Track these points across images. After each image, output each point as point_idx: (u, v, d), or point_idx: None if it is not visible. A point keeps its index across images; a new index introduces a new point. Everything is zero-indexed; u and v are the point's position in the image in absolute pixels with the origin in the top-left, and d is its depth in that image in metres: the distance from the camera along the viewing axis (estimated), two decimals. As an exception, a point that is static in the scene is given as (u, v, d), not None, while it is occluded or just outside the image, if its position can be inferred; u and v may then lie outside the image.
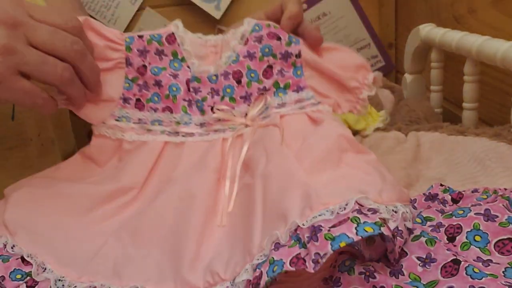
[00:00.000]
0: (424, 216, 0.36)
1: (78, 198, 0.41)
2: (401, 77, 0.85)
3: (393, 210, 0.33)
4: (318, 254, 0.28)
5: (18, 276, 0.34)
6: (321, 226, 0.30)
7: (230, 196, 0.40)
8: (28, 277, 0.34)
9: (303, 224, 0.31)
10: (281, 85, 0.45)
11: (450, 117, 0.71)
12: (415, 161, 0.54)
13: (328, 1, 1.02)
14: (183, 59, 0.46)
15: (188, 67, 0.46)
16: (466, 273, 0.29)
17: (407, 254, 0.32)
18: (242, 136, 0.44)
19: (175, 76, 0.46)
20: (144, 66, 0.46)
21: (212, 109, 0.45)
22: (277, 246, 0.31)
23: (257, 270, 0.30)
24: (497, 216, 0.33)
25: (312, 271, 0.28)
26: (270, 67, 0.45)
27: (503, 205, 0.34)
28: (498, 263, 0.31)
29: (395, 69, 1.08)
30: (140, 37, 0.46)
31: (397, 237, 0.31)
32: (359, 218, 0.29)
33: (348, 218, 0.30)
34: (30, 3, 0.38)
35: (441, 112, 0.74)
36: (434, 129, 0.62)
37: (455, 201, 0.38)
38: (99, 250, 0.37)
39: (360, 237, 0.28)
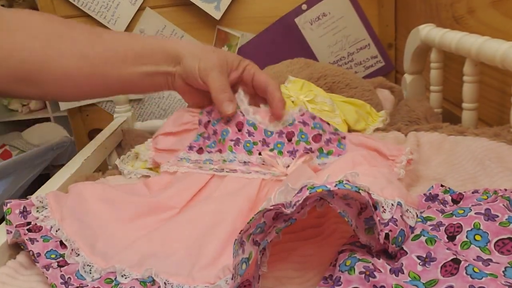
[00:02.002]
0: (425, 216, 0.36)
1: (126, 207, 0.45)
2: (400, 77, 0.85)
3: (391, 204, 0.33)
4: (298, 201, 0.30)
5: (53, 256, 0.39)
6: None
7: None
8: (61, 258, 0.39)
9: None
10: (325, 151, 0.51)
11: (449, 117, 0.71)
12: (415, 161, 0.55)
13: (328, 2, 1.02)
14: (238, 107, 0.54)
15: (241, 112, 0.53)
16: (466, 273, 0.29)
17: (407, 253, 0.32)
18: (281, 182, 0.47)
19: (227, 122, 0.53)
20: (209, 121, 0.55)
21: (260, 153, 0.51)
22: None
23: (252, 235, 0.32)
24: (497, 216, 0.33)
25: (288, 211, 0.30)
26: (319, 135, 0.52)
27: (503, 205, 0.34)
28: (498, 263, 0.31)
29: (395, 70, 1.08)
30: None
31: (390, 223, 0.32)
32: (342, 181, 0.31)
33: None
34: None
35: (440, 112, 0.75)
36: (433, 129, 0.62)
37: (455, 201, 0.38)
38: (129, 245, 0.40)
39: (337, 188, 0.30)
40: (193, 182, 0.49)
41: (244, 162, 0.50)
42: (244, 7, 1.05)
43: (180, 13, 1.06)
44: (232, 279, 0.31)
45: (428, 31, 0.70)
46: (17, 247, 0.43)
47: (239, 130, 0.52)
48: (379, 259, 0.32)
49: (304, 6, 1.03)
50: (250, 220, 0.31)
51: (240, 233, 0.31)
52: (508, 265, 0.30)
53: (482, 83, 0.64)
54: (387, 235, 0.32)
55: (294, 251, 0.39)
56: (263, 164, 0.50)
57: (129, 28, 1.06)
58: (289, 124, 0.52)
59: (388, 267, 0.31)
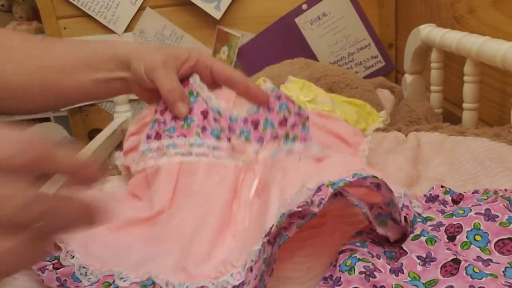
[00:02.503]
0: (425, 216, 0.36)
1: (119, 216, 0.45)
2: (401, 78, 0.85)
3: (398, 195, 0.36)
4: (322, 198, 0.32)
5: (47, 258, 0.39)
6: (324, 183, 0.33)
7: (243, 218, 0.43)
8: (56, 260, 0.39)
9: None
10: (291, 136, 0.50)
11: (450, 118, 0.71)
12: (415, 161, 0.55)
13: (329, 2, 1.02)
14: (198, 94, 0.52)
15: (204, 100, 0.52)
16: (466, 273, 0.29)
17: (406, 252, 0.32)
18: (253, 169, 0.48)
19: (190, 110, 0.51)
20: (166, 108, 0.52)
21: (229, 140, 0.50)
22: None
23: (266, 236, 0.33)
24: (497, 216, 0.33)
25: (317, 210, 0.32)
26: (285, 119, 0.51)
27: (503, 205, 0.34)
28: (498, 263, 0.31)
29: (395, 70, 1.08)
30: None
31: (404, 209, 0.34)
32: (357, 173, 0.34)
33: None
34: None
35: (441, 113, 0.74)
36: (434, 129, 0.62)
37: (455, 202, 0.38)
38: (124, 249, 0.41)
39: (355, 179, 0.32)
40: (166, 175, 0.48)
41: (214, 147, 0.49)
42: (244, 7, 1.05)
43: (180, 13, 1.06)
44: (255, 278, 0.32)
45: (428, 31, 0.70)
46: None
47: (205, 118, 0.51)
48: (379, 259, 0.32)
49: (304, 6, 1.03)
50: (278, 223, 0.32)
51: (266, 236, 0.33)
52: (508, 265, 0.30)
53: (483, 83, 0.64)
54: (405, 218, 0.34)
55: (296, 252, 0.39)
56: (233, 150, 0.49)
57: (129, 28, 1.06)
58: (254, 112, 0.51)
59: (388, 267, 0.31)
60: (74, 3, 1.04)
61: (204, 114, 0.51)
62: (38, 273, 0.37)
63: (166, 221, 0.44)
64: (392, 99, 0.78)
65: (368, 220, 0.34)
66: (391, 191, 0.33)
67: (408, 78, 0.79)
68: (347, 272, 0.31)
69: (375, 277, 0.30)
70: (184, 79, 0.52)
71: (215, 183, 0.46)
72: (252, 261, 0.33)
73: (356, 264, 0.31)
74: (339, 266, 0.32)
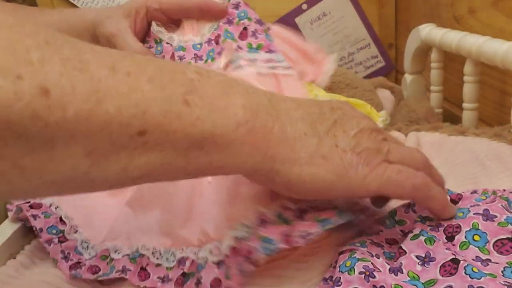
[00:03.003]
0: (424, 215, 0.36)
1: None
2: (401, 77, 0.85)
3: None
4: (305, 231, 0.31)
5: (54, 231, 0.41)
6: (307, 209, 0.33)
7: None
8: (61, 234, 0.41)
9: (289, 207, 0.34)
10: (254, 46, 0.47)
11: (450, 118, 0.71)
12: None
13: (328, 1, 1.02)
14: (161, 40, 0.51)
15: (168, 43, 0.51)
16: (465, 273, 0.29)
17: (406, 252, 0.32)
18: None
19: (162, 58, 0.50)
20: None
21: None
22: (263, 222, 0.33)
23: (243, 242, 0.32)
24: (496, 216, 0.33)
25: (303, 244, 0.31)
26: (245, 29, 0.48)
27: (502, 205, 0.34)
28: (497, 263, 0.31)
29: (395, 69, 1.08)
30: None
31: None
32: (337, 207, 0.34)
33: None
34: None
35: (441, 113, 0.75)
36: (434, 129, 0.62)
37: (454, 202, 0.38)
38: (116, 219, 0.42)
39: (342, 221, 0.32)
40: None
41: None
42: (244, 7, 1.05)
43: (181, 13, 1.06)
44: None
45: (428, 31, 0.70)
46: (17, 246, 0.43)
47: (173, 59, 0.51)
48: (378, 259, 0.32)
49: (304, 6, 1.03)
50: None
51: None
52: (507, 265, 0.30)
53: (483, 83, 0.64)
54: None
55: (295, 251, 0.39)
56: None
57: (130, 28, 1.07)
58: (215, 29, 0.49)
59: (388, 266, 0.32)
60: (74, 3, 1.04)
61: (173, 58, 0.50)
62: (45, 246, 0.40)
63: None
64: (392, 99, 0.78)
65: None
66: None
67: (408, 78, 0.79)
68: (346, 272, 0.31)
69: (374, 277, 0.30)
70: (148, 31, 0.52)
71: None
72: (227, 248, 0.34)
73: (356, 264, 0.31)
74: (339, 266, 0.32)
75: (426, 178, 0.32)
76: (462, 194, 0.38)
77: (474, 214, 0.33)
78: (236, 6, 0.49)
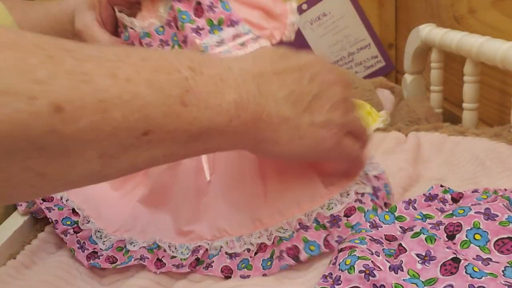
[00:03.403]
0: (424, 213, 0.36)
1: None
2: (401, 78, 0.85)
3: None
4: (340, 237, 0.36)
5: (68, 223, 0.43)
6: (339, 216, 0.37)
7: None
8: (75, 225, 0.43)
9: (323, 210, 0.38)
10: (215, 22, 0.44)
11: (450, 118, 0.71)
12: (415, 161, 0.55)
13: (328, 1, 1.02)
14: (125, 26, 0.48)
15: (132, 28, 0.48)
16: (465, 272, 0.29)
17: (406, 250, 0.32)
18: None
19: (131, 44, 0.48)
20: None
21: None
22: (303, 227, 0.37)
23: (284, 241, 0.37)
24: (497, 215, 0.33)
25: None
26: (199, 3, 0.44)
27: (503, 204, 0.34)
28: (498, 262, 0.31)
29: (395, 70, 1.08)
30: None
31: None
32: (362, 207, 0.38)
33: (355, 208, 0.38)
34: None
35: (441, 113, 0.75)
36: (434, 129, 0.62)
37: (455, 200, 0.38)
38: (130, 215, 0.43)
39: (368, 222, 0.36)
40: None
41: None
42: (244, 7, 1.05)
43: (181, 13, 1.06)
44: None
45: (428, 31, 0.70)
46: (17, 246, 0.43)
47: (141, 46, 0.48)
48: (378, 256, 0.32)
49: (304, 6, 1.03)
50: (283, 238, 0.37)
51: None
52: (508, 265, 0.30)
53: (483, 83, 0.64)
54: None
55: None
56: None
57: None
58: (170, 8, 0.45)
59: (388, 264, 0.32)
60: (75, 3, 1.04)
61: (141, 45, 0.48)
62: (62, 236, 0.42)
63: (155, 185, 0.44)
64: (392, 99, 0.78)
65: None
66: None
67: (408, 78, 0.79)
68: (346, 271, 0.31)
69: (374, 276, 0.30)
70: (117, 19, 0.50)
71: None
72: (252, 244, 0.38)
73: (356, 262, 0.31)
74: (339, 264, 0.32)
75: (363, 154, 0.39)
76: (463, 193, 0.38)
77: (475, 213, 0.33)
78: None
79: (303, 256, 0.36)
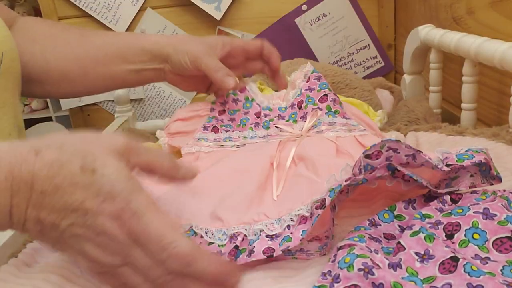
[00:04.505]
0: (423, 213, 0.36)
1: None
2: (400, 78, 0.85)
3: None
4: (360, 166, 0.36)
5: None
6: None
7: (279, 182, 0.46)
8: None
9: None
10: (332, 110, 0.55)
11: (448, 118, 0.71)
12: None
13: (328, 2, 1.03)
14: (253, 99, 0.59)
15: (258, 104, 0.59)
16: (464, 271, 0.29)
17: (405, 248, 0.33)
18: (294, 140, 0.52)
19: (246, 113, 0.58)
20: (223, 110, 0.59)
21: (277, 126, 0.56)
22: (317, 207, 0.38)
23: (316, 203, 0.37)
24: (495, 215, 0.33)
25: (361, 177, 0.35)
26: (325, 95, 0.56)
27: (501, 204, 0.34)
28: (496, 261, 0.31)
29: (394, 70, 1.08)
30: (222, 96, 0.60)
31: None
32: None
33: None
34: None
35: (440, 113, 0.75)
36: (433, 129, 0.62)
37: (454, 201, 0.39)
38: (166, 200, 0.44)
39: (381, 143, 0.35)
40: (217, 156, 0.52)
41: (264, 136, 0.55)
42: (244, 8, 1.06)
43: (181, 13, 1.07)
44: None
45: (427, 32, 0.70)
46: (19, 245, 0.43)
47: (258, 117, 0.58)
48: (377, 254, 0.32)
49: (304, 7, 1.03)
50: (332, 197, 0.35)
51: (316, 204, 0.37)
52: (506, 264, 0.31)
53: (481, 84, 0.64)
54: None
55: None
56: (280, 131, 0.55)
57: (130, 28, 1.07)
58: (298, 95, 0.57)
59: (387, 262, 0.32)
60: (76, 3, 1.04)
61: (257, 115, 0.58)
62: None
63: (202, 177, 0.45)
64: (391, 99, 0.78)
65: (430, 190, 0.38)
66: (421, 152, 0.36)
67: (407, 78, 0.79)
68: (345, 269, 0.31)
69: (373, 274, 0.30)
70: (241, 89, 0.59)
71: (254, 152, 0.50)
72: (292, 220, 0.38)
73: (355, 261, 0.31)
74: (338, 262, 0.32)
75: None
76: (462, 193, 0.38)
77: (474, 212, 0.34)
78: (318, 78, 0.58)
79: (327, 200, 0.35)
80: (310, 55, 1.05)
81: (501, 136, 0.54)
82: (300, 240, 0.36)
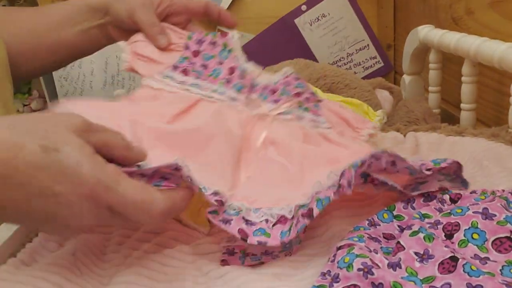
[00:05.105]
0: (423, 213, 0.36)
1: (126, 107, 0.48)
2: (399, 78, 0.85)
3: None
4: (349, 180, 0.35)
5: None
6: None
7: (249, 161, 0.45)
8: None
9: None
10: (303, 106, 0.53)
11: (448, 118, 0.71)
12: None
13: (328, 3, 1.03)
14: (230, 50, 0.54)
15: (235, 57, 0.54)
16: (463, 271, 0.30)
17: (404, 248, 0.33)
18: (264, 121, 0.51)
19: (220, 63, 0.54)
20: (199, 52, 0.55)
21: (247, 96, 0.53)
22: (318, 192, 0.38)
23: (301, 210, 0.37)
24: (495, 215, 0.33)
25: (350, 191, 0.35)
26: (300, 92, 0.54)
27: (501, 204, 0.34)
28: (495, 261, 0.31)
29: (394, 70, 1.08)
30: (200, 32, 0.56)
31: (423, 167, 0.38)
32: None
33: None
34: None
35: (439, 113, 0.75)
36: (432, 129, 0.62)
37: (453, 201, 0.39)
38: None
39: (370, 155, 0.36)
40: (180, 99, 0.50)
41: (233, 98, 0.52)
42: (244, 8, 1.06)
43: (180, 13, 1.07)
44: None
45: (427, 32, 0.70)
46: (18, 245, 0.43)
47: (231, 73, 0.54)
48: (376, 254, 0.32)
49: (303, 7, 1.03)
50: (320, 209, 0.35)
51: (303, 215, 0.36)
52: (505, 264, 0.31)
53: (481, 84, 0.64)
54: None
55: (295, 251, 0.40)
56: (249, 103, 0.52)
57: (129, 28, 1.07)
58: (274, 83, 0.54)
59: (386, 261, 0.32)
60: None
61: (232, 70, 0.54)
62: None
63: (181, 132, 0.45)
64: (390, 99, 0.79)
65: (401, 192, 0.38)
66: (404, 159, 0.36)
67: (406, 78, 0.79)
68: (345, 268, 0.31)
69: (373, 274, 0.30)
70: (223, 33, 0.56)
71: (227, 123, 0.49)
72: (272, 215, 0.38)
73: (354, 260, 0.31)
74: (337, 262, 0.32)
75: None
76: (461, 194, 0.39)
77: (473, 212, 0.34)
78: (297, 78, 0.55)
79: (315, 212, 0.35)
80: (309, 55, 1.05)
81: (501, 137, 0.54)
82: (280, 243, 0.36)
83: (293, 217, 0.37)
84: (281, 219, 0.38)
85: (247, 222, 0.38)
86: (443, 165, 0.38)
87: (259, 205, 0.39)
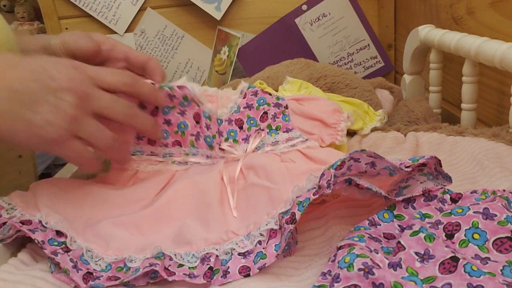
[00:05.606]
0: (423, 213, 0.36)
1: (98, 193, 0.48)
2: (400, 78, 0.85)
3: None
4: (329, 180, 0.36)
5: (55, 243, 0.40)
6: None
7: (233, 195, 0.46)
8: (63, 245, 0.40)
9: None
10: (273, 127, 0.54)
11: (448, 118, 0.71)
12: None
13: (328, 2, 1.03)
14: (192, 99, 0.51)
15: (196, 102, 0.51)
16: (464, 271, 0.29)
17: (405, 248, 0.33)
18: (238, 160, 0.51)
19: (183, 113, 0.51)
20: (156, 108, 0.51)
21: (219, 147, 0.52)
22: (299, 196, 0.38)
23: (285, 217, 0.37)
24: (495, 215, 0.33)
25: (329, 191, 0.36)
26: (265, 113, 0.54)
27: (501, 204, 0.34)
28: (496, 261, 0.31)
29: (394, 70, 1.08)
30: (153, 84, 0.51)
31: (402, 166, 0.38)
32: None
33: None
34: (88, 66, 0.44)
35: (439, 113, 0.75)
36: (433, 129, 0.62)
37: (454, 200, 0.39)
38: (127, 234, 0.42)
39: (349, 157, 0.36)
40: (158, 177, 0.50)
41: (207, 156, 0.52)
42: (244, 8, 1.06)
43: (181, 13, 1.07)
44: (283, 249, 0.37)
45: (427, 32, 0.70)
46: (18, 245, 0.43)
47: (197, 123, 0.51)
48: (377, 254, 0.32)
49: (304, 7, 1.03)
50: (301, 211, 0.36)
51: (286, 220, 0.36)
52: (506, 264, 0.31)
53: (481, 84, 0.64)
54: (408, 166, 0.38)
55: (295, 251, 0.40)
56: (223, 155, 0.52)
57: (130, 28, 1.07)
58: (235, 112, 0.54)
59: (387, 261, 0.32)
60: (76, 3, 1.04)
61: (197, 118, 0.51)
62: (53, 257, 0.39)
63: (156, 206, 0.45)
64: (391, 99, 0.79)
65: (384, 197, 0.38)
66: (383, 158, 0.37)
67: (407, 78, 0.79)
68: (345, 268, 0.31)
69: (373, 274, 0.30)
70: (181, 86, 0.51)
71: (204, 172, 0.49)
72: (262, 235, 0.38)
73: (355, 260, 0.31)
74: (338, 262, 0.32)
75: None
76: (462, 193, 0.38)
77: (474, 212, 0.34)
78: (255, 93, 0.55)
79: (297, 215, 0.36)
80: (310, 55, 1.05)
81: (501, 136, 0.54)
82: (276, 256, 0.37)
83: (280, 227, 0.38)
84: (271, 234, 0.38)
85: (244, 255, 0.38)
86: (421, 161, 0.38)
87: (249, 230, 0.39)
